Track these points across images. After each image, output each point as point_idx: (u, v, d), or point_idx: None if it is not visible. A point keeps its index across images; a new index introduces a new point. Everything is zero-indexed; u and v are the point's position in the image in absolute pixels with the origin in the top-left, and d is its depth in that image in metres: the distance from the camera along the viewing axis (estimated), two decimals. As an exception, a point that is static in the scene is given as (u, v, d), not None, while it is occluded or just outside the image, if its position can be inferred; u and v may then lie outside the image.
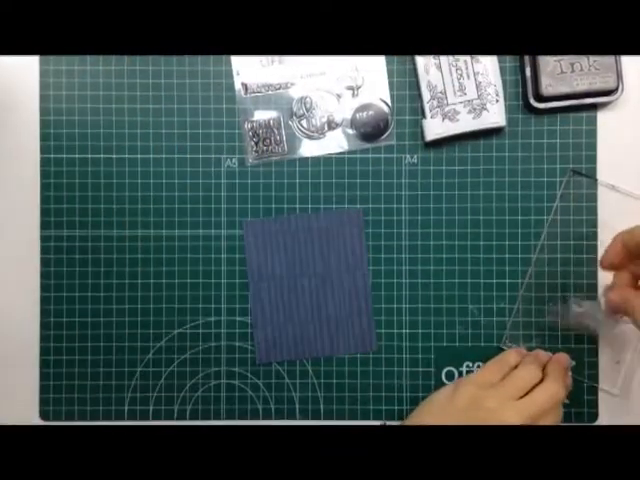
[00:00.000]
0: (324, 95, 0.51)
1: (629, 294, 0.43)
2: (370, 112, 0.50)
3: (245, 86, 0.51)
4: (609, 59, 0.49)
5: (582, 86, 0.49)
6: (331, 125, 0.50)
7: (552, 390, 0.44)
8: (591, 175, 0.51)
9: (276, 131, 0.51)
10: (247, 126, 0.51)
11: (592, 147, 0.51)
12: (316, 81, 0.51)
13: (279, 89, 0.51)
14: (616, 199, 0.51)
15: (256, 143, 0.51)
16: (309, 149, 0.51)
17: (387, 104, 0.50)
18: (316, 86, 0.51)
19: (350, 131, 0.51)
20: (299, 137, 0.51)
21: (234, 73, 0.51)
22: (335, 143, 0.51)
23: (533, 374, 0.45)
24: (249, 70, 0.51)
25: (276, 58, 0.51)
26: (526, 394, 0.44)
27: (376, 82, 0.51)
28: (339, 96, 0.51)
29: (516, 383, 0.45)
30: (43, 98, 0.51)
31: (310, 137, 0.51)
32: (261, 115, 0.51)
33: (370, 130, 0.51)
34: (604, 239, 0.50)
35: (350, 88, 0.50)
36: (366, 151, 0.51)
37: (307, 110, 0.51)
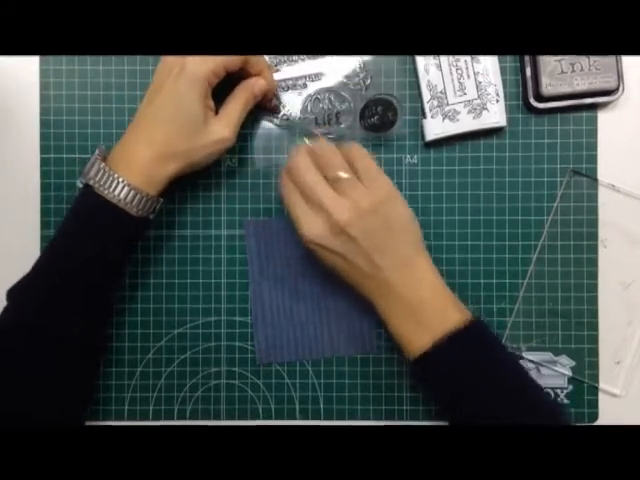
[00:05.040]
0: (333, 93, 0.50)
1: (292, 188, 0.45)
2: (379, 106, 0.50)
3: None
4: (609, 59, 0.49)
5: (582, 86, 0.49)
6: (339, 121, 0.50)
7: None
8: (591, 175, 0.51)
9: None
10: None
11: (592, 147, 0.51)
12: (324, 80, 0.51)
13: (287, 90, 0.51)
14: (616, 199, 0.51)
15: None
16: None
17: (395, 97, 0.50)
18: (325, 85, 0.51)
19: (359, 125, 0.50)
20: (310, 136, 0.51)
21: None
22: (345, 139, 0.50)
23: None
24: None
25: (284, 59, 0.51)
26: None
27: (384, 78, 0.51)
28: (347, 92, 0.50)
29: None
30: (43, 98, 0.51)
31: (319, 132, 0.51)
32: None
33: (379, 123, 0.50)
34: (604, 239, 0.50)
35: (357, 84, 0.50)
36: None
37: (316, 108, 0.50)
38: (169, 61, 0.44)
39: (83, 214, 0.44)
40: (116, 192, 0.42)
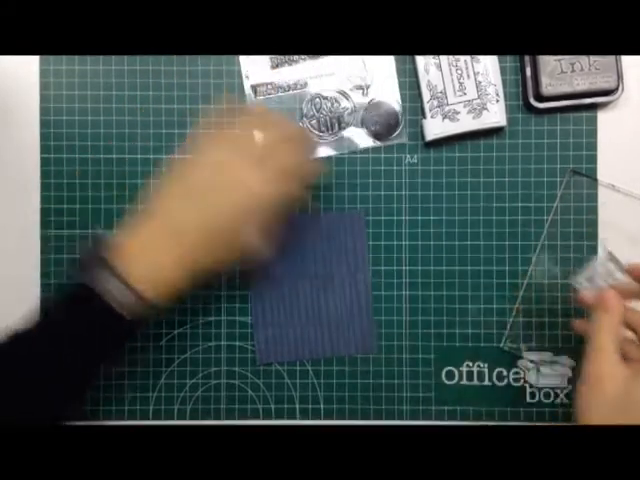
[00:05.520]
0: (334, 95, 0.51)
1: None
2: (380, 110, 0.50)
3: (255, 89, 0.51)
4: (609, 59, 0.49)
5: (582, 86, 0.49)
6: (341, 125, 0.50)
7: None
8: (591, 175, 0.51)
9: None
10: None
11: (592, 147, 0.51)
12: (326, 81, 0.51)
13: (289, 90, 0.51)
14: (616, 199, 0.51)
15: None
16: (322, 150, 0.51)
17: (397, 102, 0.50)
18: (326, 86, 0.51)
19: (361, 130, 0.50)
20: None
21: (243, 76, 0.51)
22: (347, 143, 0.51)
23: None
24: (259, 72, 0.51)
25: (285, 59, 0.51)
26: None
27: (385, 81, 0.51)
28: (349, 96, 0.51)
29: None
30: (43, 98, 0.51)
31: (321, 138, 0.51)
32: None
33: (381, 129, 0.50)
34: (604, 239, 0.50)
35: (359, 87, 0.50)
36: (366, 151, 0.51)
37: (317, 111, 0.51)
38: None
39: (77, 309, 0.39)
40: (127, 302, 0.37)
